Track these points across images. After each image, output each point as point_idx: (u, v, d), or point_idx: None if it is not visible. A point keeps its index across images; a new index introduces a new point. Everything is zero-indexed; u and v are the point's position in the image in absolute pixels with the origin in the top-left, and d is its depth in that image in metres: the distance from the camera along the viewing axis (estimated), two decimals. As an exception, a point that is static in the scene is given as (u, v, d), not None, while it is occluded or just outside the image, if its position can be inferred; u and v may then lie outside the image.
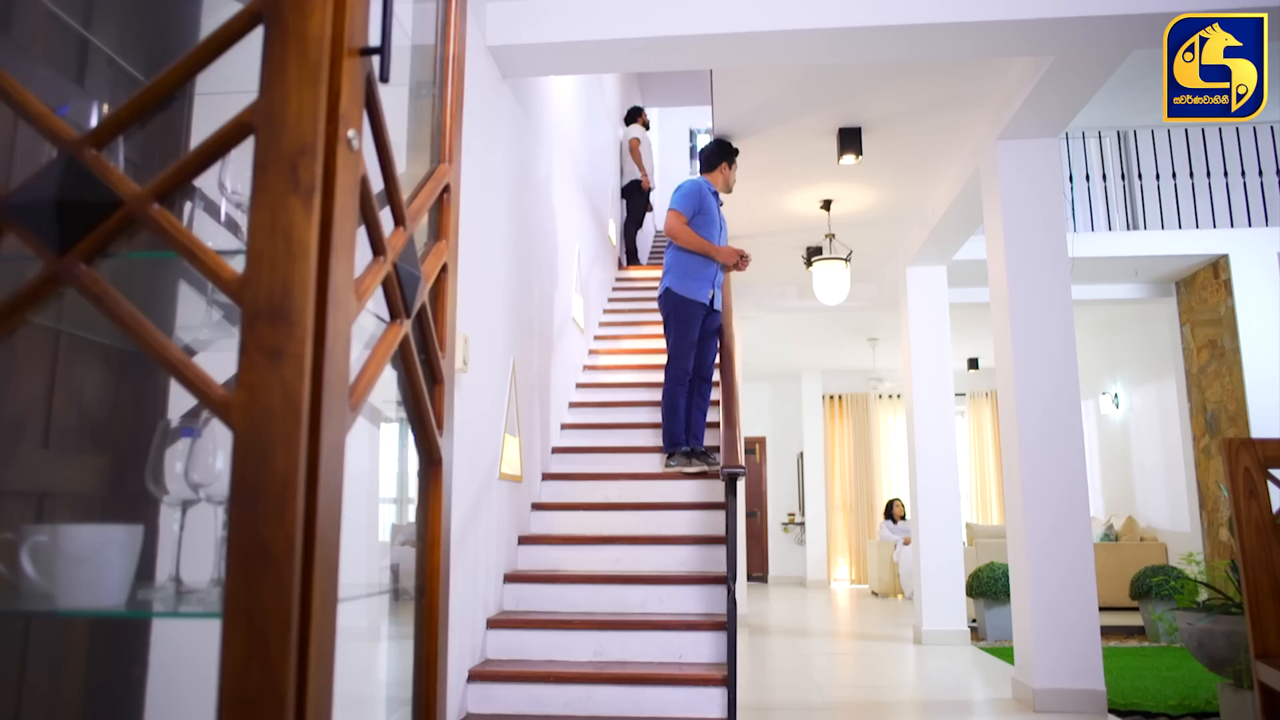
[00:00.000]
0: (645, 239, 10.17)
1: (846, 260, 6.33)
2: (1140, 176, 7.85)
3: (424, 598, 1.26)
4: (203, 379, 0.87)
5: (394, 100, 1.49)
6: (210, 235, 1.33)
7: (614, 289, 8.15)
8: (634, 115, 9.27)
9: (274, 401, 0.84)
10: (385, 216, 1.18)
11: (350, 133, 0.95)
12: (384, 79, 1.03)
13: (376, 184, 1.13)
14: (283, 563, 0.82)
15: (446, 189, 1.37)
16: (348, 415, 0.94)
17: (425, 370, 1.28)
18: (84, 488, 1.27)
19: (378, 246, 1.07)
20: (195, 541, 1.17)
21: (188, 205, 1.33)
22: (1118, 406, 9.57)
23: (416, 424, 1.25)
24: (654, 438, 5.24)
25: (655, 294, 7.66)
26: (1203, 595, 4.58)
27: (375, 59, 1.02)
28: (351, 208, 0.96)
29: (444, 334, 1.32)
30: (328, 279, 0.89)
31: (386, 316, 1.17)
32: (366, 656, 1.72)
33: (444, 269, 1.34)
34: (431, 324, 1.27)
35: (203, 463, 1.07)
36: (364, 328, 1.20)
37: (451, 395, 1.35)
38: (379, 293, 1.15)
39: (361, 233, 1.09)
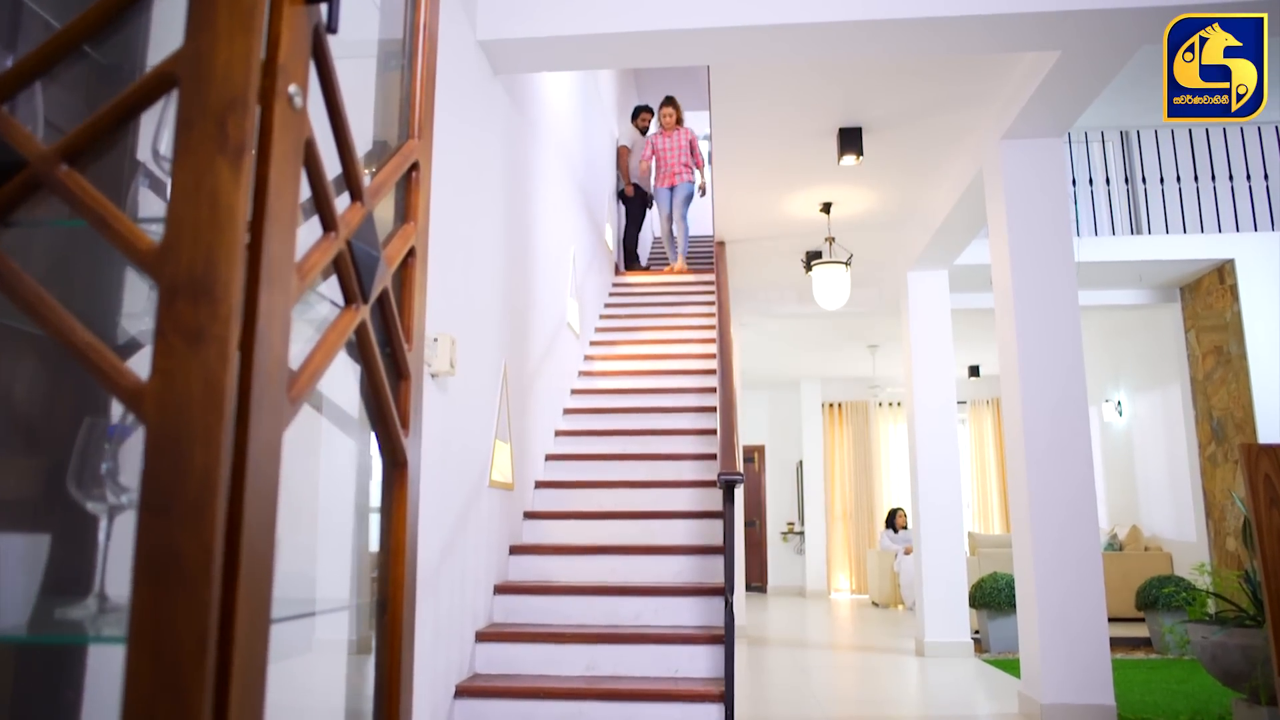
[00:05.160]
0: (645, 243, 10.05)
1: (847, 264, 6.22)
2: (1144, 180, 7.75)
3: (386, 613, 1.15)
4: (112, 365, 0.76)
5: (360, 75, 1.38)
6: (158, 214, 1.22)
7: (610, 294, 8.04)
8: (635, 115, 9.06)
9: (193, 390, 0.73)
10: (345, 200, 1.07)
11: (292, 88, 0.84)
12: (332, 29, 0.91)
13: (333, 158, 1.02)
14: (198, 578, 0.70)
15: (415, 166, 1.25)
16: (286, 408, 0.83)
17: (389, 364, 1.16)
18: (11, 493, 1.14)
19: (328, 221, 0.95)
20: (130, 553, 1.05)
21: (133, 183, 1.22)
22: (1121, 414, 9.45)
23: (379, 423, 1.14)
24: (651, 444, 5.12)
25: (655, 301, 7.56)
26: (1210, 607, 4.46)
27: (323, 7, 0.90)
28: (292, 173, 0.84)
29: (411, 325, 1.21)
30: (261, 252, 0.78)
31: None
32: (343, 675, 1.60)
33: (411, 253, 1.22)
34: (395, 313, 1.15)
35: (130, 464, 0.95)
36: (317, 314, 1.09)
37: (420, 392, 1.23)
38: (335, 277, 1.04)
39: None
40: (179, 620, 0.69)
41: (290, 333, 0.83)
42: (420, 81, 1.29)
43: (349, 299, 1.02)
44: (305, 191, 0.95)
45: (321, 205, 0.93)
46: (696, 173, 8.28)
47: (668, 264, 8.54)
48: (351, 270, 1.00)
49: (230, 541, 0.73)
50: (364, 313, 1.04)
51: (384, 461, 1.16)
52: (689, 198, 8.25)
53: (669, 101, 8.38)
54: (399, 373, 1.18)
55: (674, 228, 8.29)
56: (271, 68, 0.81)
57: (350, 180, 1.01)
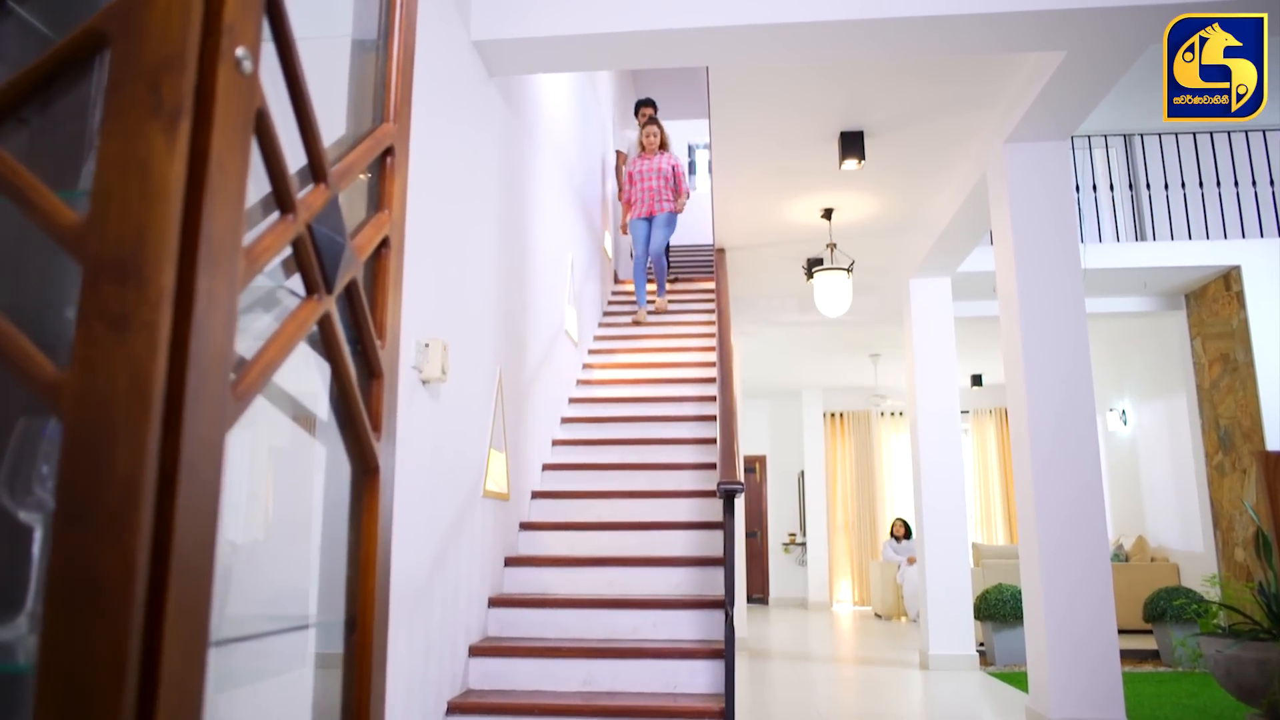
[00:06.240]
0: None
1: (849, 271, 6.14)
2: (1148, 186, 7.68)
3: (355, 632, 1.06)
4: (27, 355, 0.67)
5: (335, 60, 1.30)
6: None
7: (610, 301, 7.96)
8: (636, 111, 8.64)
9: (116, 384, 0.64)
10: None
11: (239, 51, 0.75)
12: (286, -13, 0.83)
13: (294, 141, 0.94)
14: (118, 599, 0.61)
15: (390, 152, 1.17)
16: (229, 406, 0.74)
17: (360, 362, 1.08)
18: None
19: (285, 203, 0.87)
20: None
21: (86, 165, 1.14)
22: (1125, 423, 9.35)
23: (347, 425, 1.05)
24: (650, 454, 5.03)
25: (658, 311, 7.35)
26: (1219, 618, 4.36)
27: (277, -36, 0.82)
28: (239, 145, 0.76)
29: (384, 320, 1.12)
30: (199, 230, 0.69)
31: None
32: (334, 690, 1.51)
33: (385, 243, 1.14)
34: (366, 307, 1.07)
35: (65, 469, 0.86)
36: (286, 309, 1.00)
37: (394, 393, 1.15)
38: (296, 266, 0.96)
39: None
40: (94, 646, 0.61)
41: (236, 323, 0.75)
42: (397, 62, 1.21)
43: (310, 288, 0.93)
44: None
45: (277, 183, 0.85)
46: (679, 203, 7.24)
47: (652, 298, 7.42)
48: (313, 257, 0.92)
49: (158, 556, 0.64)
50: (328, 304, 0.95)
51: (353, 467, 1.07)
52: (670, 233, 7.19)
53: (653, 120, 7.46)
54: (370, 371, 1.10)
55: (653, 262, 7.27)
56: (215, 27, 0.73)
57: (312, 159, 0.93)
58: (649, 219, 7.12)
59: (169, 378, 0.66)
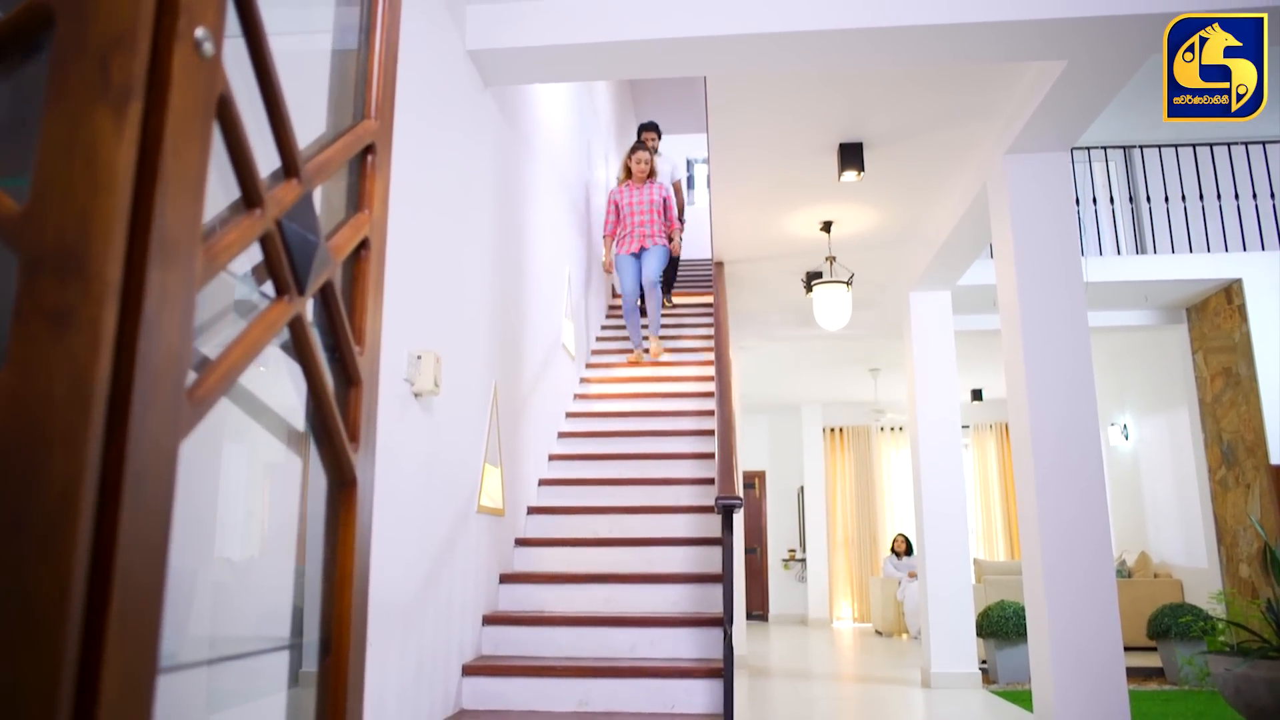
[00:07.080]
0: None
1: (848, 284, 6.09)
2: (1148, 199, 7.64)
3: (330, 655, 1.00)
4: (-42, 356, 0.62)
5: (313, 58, 1.25)
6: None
7: (608, 315, 7.91)
8: (639, 136, 8.38)
9: (54, 385, 0.59)
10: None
11: (199, 32, 0.70)
12: (252, -33, 0.78)
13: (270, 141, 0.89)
14: (50, 620, 0.56)
15: (371, 149, 1.12)
16: (185, 412, 0.68)
17: (336, 369, 1.02)
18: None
19: (252, 197, 0.82)
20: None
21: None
22: (1127, 438, 9.29)
23: (322, 435, 1.00)
24: (648, 469, 4.97)
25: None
26: (1226, 635, 4.28)
27: (242, -59, 0.77)
28: (197, 132, 0.71)
29: (363, 325, 1.07)
30: (151, 220, 0.64)
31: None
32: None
33: (365, 245, 1.09)
34: (343, 311, 1.01)
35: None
36: (249, 307, 0.95)
37: (374, 402, 1.09)
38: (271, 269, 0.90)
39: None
40: (23, 674, 0.55)
41: (193, 323, 0.69)
42: (379, 56, 1.16)
43: (280, 289, 0.88)
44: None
45: (243, 175, 0.80)
46: (676, 245, 6.69)
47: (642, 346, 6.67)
48: (282, 255, 0.86)
49: (98, 574, 0.58)
50: (299, 306, 0.90)
51: (329, 480, 1.02)
52: (663, 265, 6.44)
53: (642, 145, 6.72)
54: (348, 379, 1.04)
55: (646, 303, 6.50)
56: (172, 6, 0.68)
57: (283, 151, 0.88)
58: (639, 254, 6.42)
59: (114, 379, 0.61)
